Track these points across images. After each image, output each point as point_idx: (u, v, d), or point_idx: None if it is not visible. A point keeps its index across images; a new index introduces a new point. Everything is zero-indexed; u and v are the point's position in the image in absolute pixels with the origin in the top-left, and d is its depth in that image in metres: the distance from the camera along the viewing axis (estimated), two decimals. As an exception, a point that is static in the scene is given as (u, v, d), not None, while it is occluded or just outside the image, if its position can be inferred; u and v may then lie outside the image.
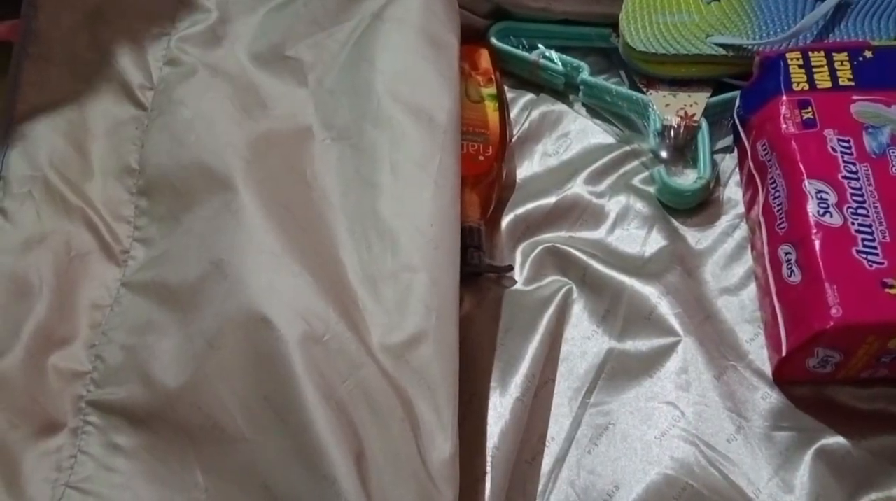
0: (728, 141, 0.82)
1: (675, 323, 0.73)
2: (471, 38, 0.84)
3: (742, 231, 0.79)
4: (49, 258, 0.67)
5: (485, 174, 0.79)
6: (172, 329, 0.63)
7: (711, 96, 0.81)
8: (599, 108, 0.85)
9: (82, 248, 0.69)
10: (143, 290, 0.66)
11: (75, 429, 0.62)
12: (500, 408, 0.67)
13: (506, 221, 0.80)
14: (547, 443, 0.68)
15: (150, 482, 0.60)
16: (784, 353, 0.68)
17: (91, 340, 0.65)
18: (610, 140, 0.84)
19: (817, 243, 0.67)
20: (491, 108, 0.82)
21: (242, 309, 0.60)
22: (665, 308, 0.73)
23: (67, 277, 0.67)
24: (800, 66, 0.75)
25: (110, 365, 0.64)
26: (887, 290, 0.64)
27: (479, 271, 0.75)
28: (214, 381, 0.60)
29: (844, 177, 0.69)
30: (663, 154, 0.81)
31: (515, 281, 0.76)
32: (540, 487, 0.66)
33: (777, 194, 0.73)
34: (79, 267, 0.68)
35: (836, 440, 0.67)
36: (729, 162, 0.81)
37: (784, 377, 0.71)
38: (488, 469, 0.64)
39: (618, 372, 0.71)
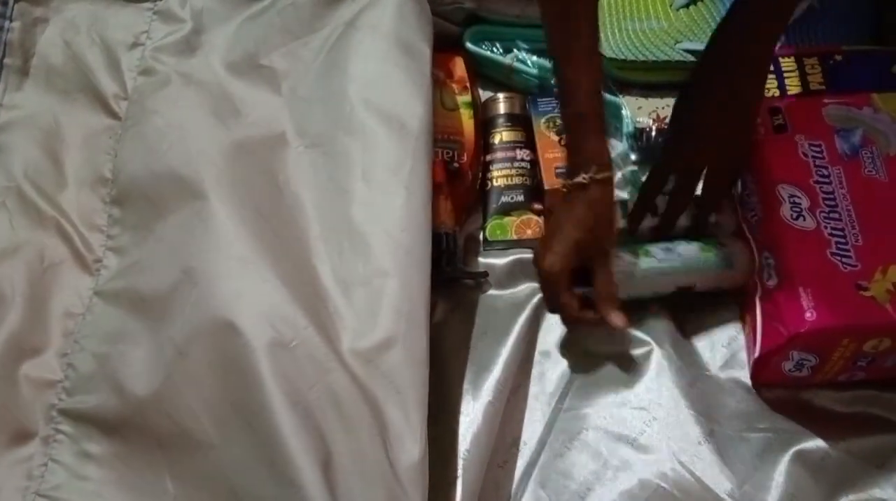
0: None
1: (650, 326, 0.73)
2: (446, 45, 0.84)
3: (717, 234, 0.79)
4: (22, 268, 0.68)
5: (459, 181, 0.79)
6: (144, 337, 0.63)
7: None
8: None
9: (55, 258, 0.69)
10: (115, 299, 0.67)
11: (47, 438, 0.62)
12: (472, 413, 0.68)
13: (478, 226, 0.80)
14: (520, 448, 0.69)
15: (121, 489, 0.60)
16: (758, 355, 0.69)
17: (63, 349, 0.66)
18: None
19: (790, 247, 0.68)
20: (466, 116, 0.82)
21: (211, 317, 0.61)
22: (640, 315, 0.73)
23: (40, 286, 0.67)
24: (770, 72, 0.75)
25: (82, 374, 0.64)
26: (861, 293, 0.65)
27: (454, 277, 0.75)
28: (183, 389, 0.60)
29: (816, 182, 0.70)
30: (636, 156, 0.81)
31: (490, 287, 0.76)
32: (512, 491, 0.67)
33: (751, 199, 0.73)
34: (52, 276, 0.68)
35: (814, 442, 0.68)
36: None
37: (761, 381, 0.71)
38: (460, 472, 0.64)
39: (591, 377, 0.72)
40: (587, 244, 0.68)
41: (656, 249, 0.73)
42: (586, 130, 0.67)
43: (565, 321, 0.74)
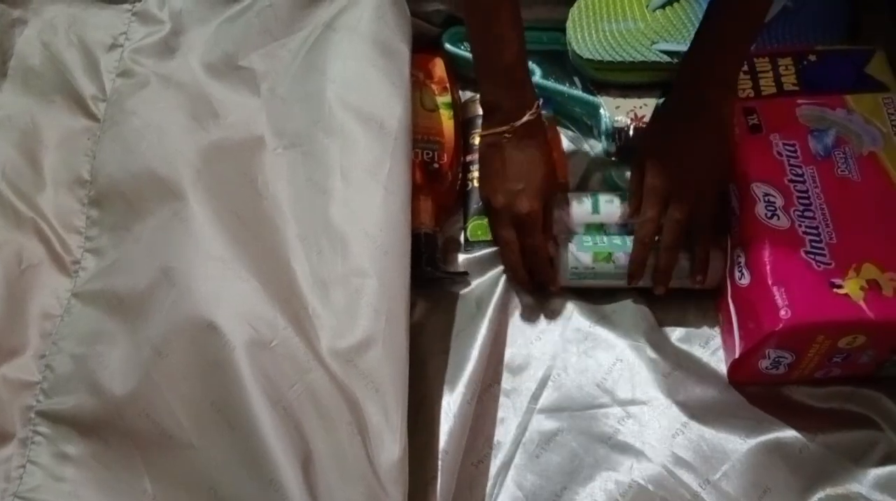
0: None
1: (625, 320, 0.73)
2: (425, 47, 0.85)
3: (694, 232, 0.80)
4: (-1, 269, 0.67)
5: (439, 181, 0.79)
6: (122, 337, 0.63)
7: (660, 97, 0.82)
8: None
9: (33, 259, 0.69)
10: (93, 300, 0.66)
11: (24, 440, 0.62)
12: (448, 411, 0.68)
13: (460, 227, 0.80)
14: (493, 446, 0.69)
15: (99, 490, 0.60)
16: (737, 355, 0.69)
17: (41, 350, 0.66)
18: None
19: (764, 245, 0.68)
20: (446, 117, 0.82)
21: (189, 316, 0.61)
22: (616, 309, 0.74)
23: (18, 288, 0.67)
24: (745, 73, 0.76)
25: (60, 375, 0.64)
26: (835, 290, 0.66)
27: (434, 277, 0.76)
28: (162, 388, 0.60)
29: (790, 181, 0.71)
30: (614, 155, 0.82)
31: (469, 286, 0.76)
32: (487, 490, 0.67)
33: (728, 197, 0.74)
34: (30, 277, 0.68)
35: (792, 436, 0.68)
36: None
37: (739, 378, 0.72)
38: (438, 472, 0.64)
39: (565, 374, 0.72)
40: (548, 181, 0.73)
41: (619, 253, 0.73)
42: (522, 78, 0.72)
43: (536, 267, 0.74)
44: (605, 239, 0.74)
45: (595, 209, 0.75)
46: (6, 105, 0.76)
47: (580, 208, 0.76)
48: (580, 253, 0.73)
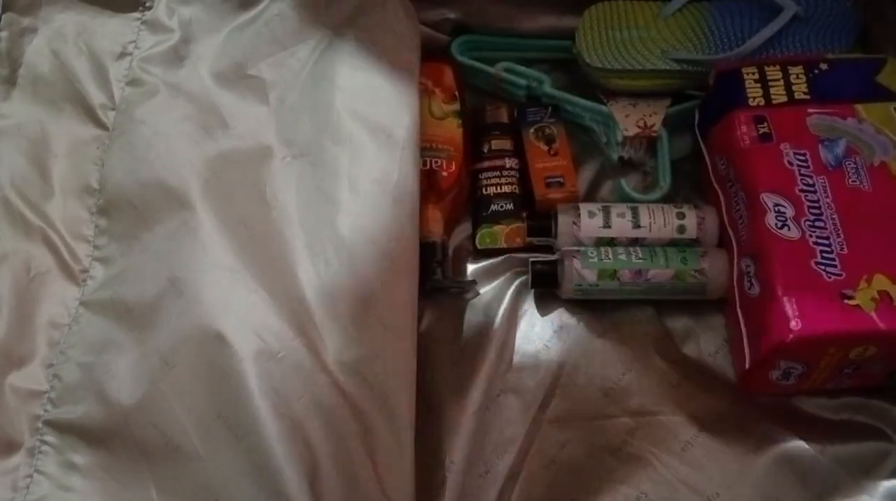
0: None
1: (632, 330, 0.73)
2: (434, 55, 0.85)
3: (705, 241, 0.79)
4: (8, 277, 0.67)
5: (448, 190, 0.79)
6: (129, 347, 0.63)
7: (670, 106, 0.82)
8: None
9: (42, 268, 0.69)
10: (101, 309, 0.66)
11: (32, 449, 0.62)
12: (456, 421, 0.68)
13: (468, 235, 0.81)
14: (501, 457, 0.69)
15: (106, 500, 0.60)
16: (747, 366, 0.69)
17: (49, 359, 0.65)
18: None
19: (775, 256, 0.68)
20: (454, 125, 0.82)
21: (197, 326, 0.61)
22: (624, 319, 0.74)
23: (26, 296, 0.67)
24: (756, 81, 0.76)
25: (67, 384, 0.64)
26: (846, 301, 0.65)
27: (442, 287, 0.76)
28: (169, 399, 0.60)
29: (801, 191, 0.70)
30: (624, 164, 0.82)
31: (478, 295, 0.76)
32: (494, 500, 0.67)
33: (738, 207, 0.74)
34: (38, 286, 0.68)
35: (802, 447, 0.68)
36: (690, 171, 0.82)
37: (749, 389, 0.71)
38: (445, 482, 0.64)
39: (572, 385, 0.72)
40: None
41: (625, 270, 0.73)
42: None
43: None
44: (611, 255, 0.74)
45: (606, 223, 0.75)
46: (15, 113, 0.75)
47: (591, 222, 0.76)
48: (585, 270, 0.73)
